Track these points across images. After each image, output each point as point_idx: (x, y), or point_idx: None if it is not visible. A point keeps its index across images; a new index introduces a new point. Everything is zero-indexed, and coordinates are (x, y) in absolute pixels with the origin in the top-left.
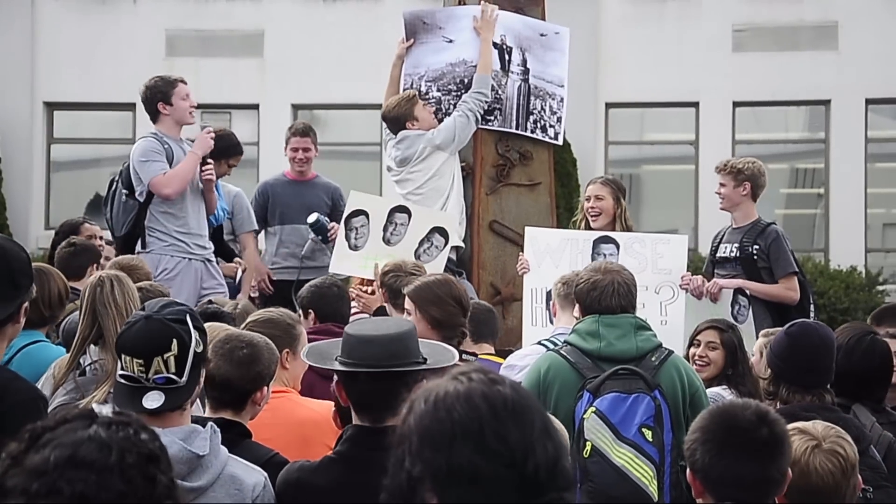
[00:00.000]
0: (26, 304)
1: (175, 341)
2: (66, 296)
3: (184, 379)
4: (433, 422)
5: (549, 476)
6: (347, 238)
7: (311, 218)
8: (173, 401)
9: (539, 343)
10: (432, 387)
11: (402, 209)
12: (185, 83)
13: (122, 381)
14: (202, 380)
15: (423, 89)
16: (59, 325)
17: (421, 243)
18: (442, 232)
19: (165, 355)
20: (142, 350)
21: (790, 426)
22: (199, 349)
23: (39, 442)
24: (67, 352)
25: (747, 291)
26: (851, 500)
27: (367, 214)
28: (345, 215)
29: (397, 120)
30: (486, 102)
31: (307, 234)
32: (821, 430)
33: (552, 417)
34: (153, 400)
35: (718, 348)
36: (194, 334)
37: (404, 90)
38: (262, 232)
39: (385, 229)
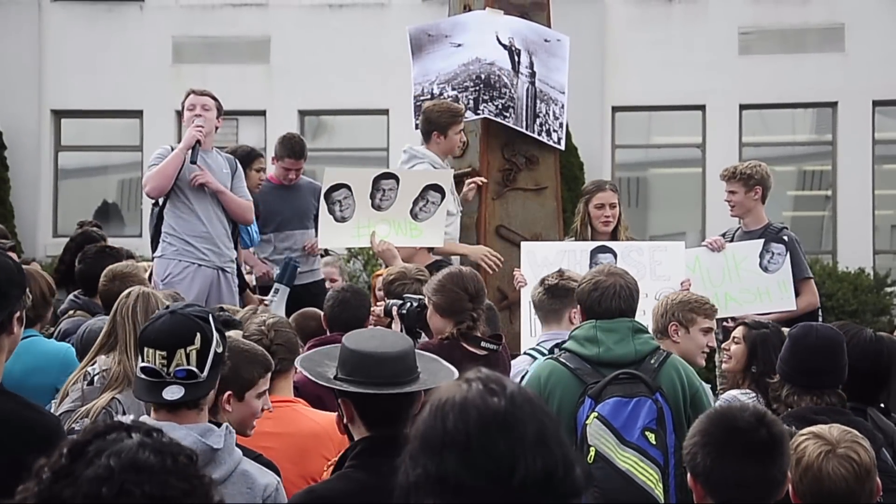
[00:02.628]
0: (19, 313)
1: (198, 335)
2: (51, 295)
3: (204, 374)
4: (428, 428)
5: (543, 487)
6: (331, 212)
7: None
8: (192, 394)
9: (525, 353)
10: (442, 390)
11: (388, 175)
12: (195, 92)
13: (143, 375)
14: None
15: (437, 91)
16: (62, 329)
17: (416, 202)
18: (436, 188)
19: (188, 348)
20: (165, 342)
21: (805, 430)
22: (220, 349)
23: (86, 455)
24: (82, 356)
25: (786, 238)
26: None
27: (348, 187)
28: (323, 191)
29: (430, 122)
30: None
31: (302, 240)
32: (836, 434)
33: None
34: (173, 392)
35: (740, 343)
36: (216, 334)
37: (414, 97)
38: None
39: (373, 196)
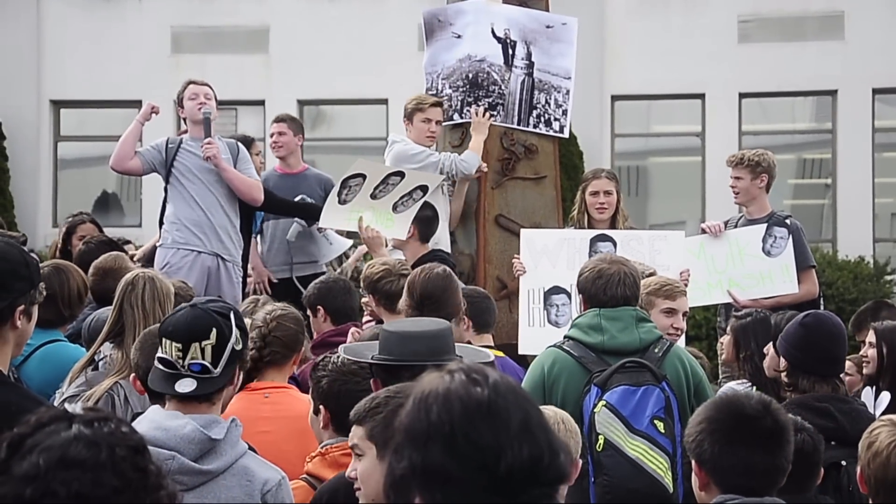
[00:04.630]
0: (23, 307)
1: (214, 331)
2: (85, 293)
3: (218, 370)
4: (413, 420)
5: (529, 474)
6: (339, 194)
7: (296, 198)
8: (204, 388)
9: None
10: (424, 383)
11: (399, 174)
12: (195, 83)
13: (160, 365)
14: (238, 378)
15: (440, 87)
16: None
17: (402, 197)
18: (423, 188)
19: (203, 343)
20: (182, 335)
21: (885, 417)
22: (238, 346)
23: (22, 449)
24: (89, 346)
25: (789, 223)
26: None
27: (364, 177)
28: (344, 175)
29: (404, 110)
30: (463, 174)
31: (296, 231)
32: None
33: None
34: (185, 385)
35: (729, 335)
36: (235, 332)
37: (426, 90)
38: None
39: (377, 188)
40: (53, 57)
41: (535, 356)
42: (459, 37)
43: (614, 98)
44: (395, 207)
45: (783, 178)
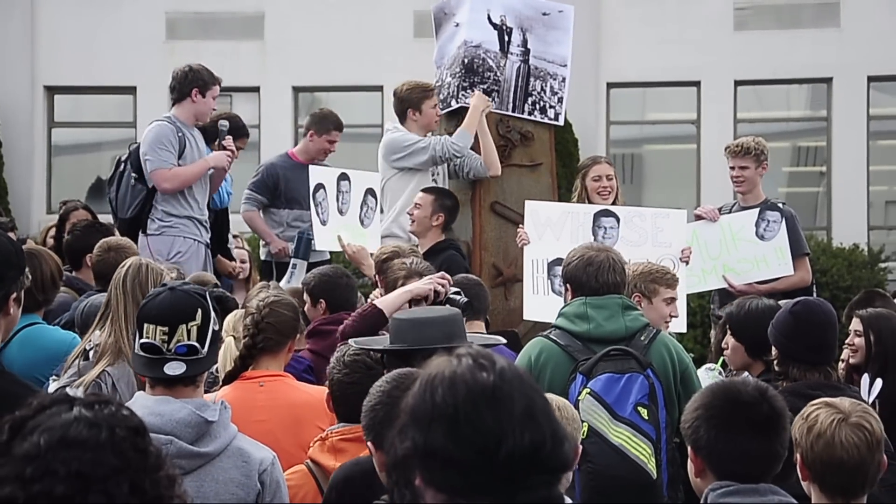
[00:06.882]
0: (15, 294)
1: (200, 311)
2: (59, 277)
3: (205, 350)
4: (418, 401)
5: (530, 461)
6: (318, 214)
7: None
8: (194, 369)
9: None
10: (432, 366)
11: (345, 177)
12: (219, 84)
13: (142, 352)
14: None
15: (444, 77)
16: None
17: (361, 208)
18: (372, 192)
19: (190, 324)
20: (168, 318)
21: (816, 401)
22: (216, 327)
23: (24, 430)
24: (83, 332)
25: (781, 206)
26: (875, 479)
27: (324, 187)
28: (311, 191)
29: (402, 101)
30: (456, 156)
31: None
32: (847, 405)
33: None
34: (174, 368)
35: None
36: (212, 312)
37: (435, 84)
38: (262, 211)
39: (337, 199)
40: (47, 42)
41: (527, 341)
42: (458, 25)
43: (610, 85)
44: (362, 222)
45: (778, 165)
